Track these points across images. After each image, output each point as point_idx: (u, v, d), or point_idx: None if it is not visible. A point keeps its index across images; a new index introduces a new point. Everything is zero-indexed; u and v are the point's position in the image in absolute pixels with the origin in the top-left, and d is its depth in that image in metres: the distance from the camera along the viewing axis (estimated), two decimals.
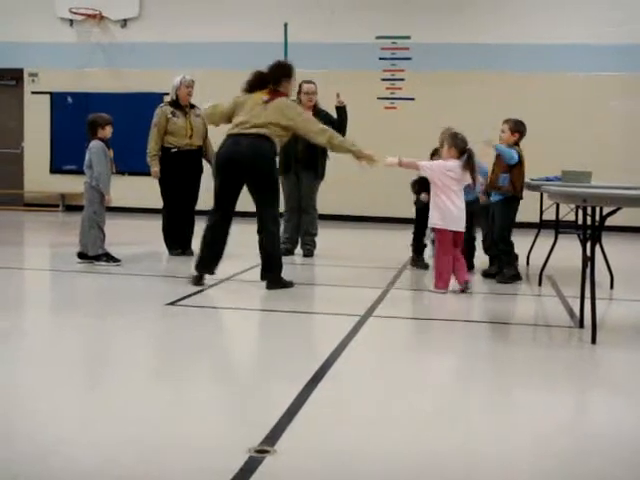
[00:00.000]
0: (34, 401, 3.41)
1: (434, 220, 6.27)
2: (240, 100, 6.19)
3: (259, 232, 6.18)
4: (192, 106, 7.90)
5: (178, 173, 7.83)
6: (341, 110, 8.04)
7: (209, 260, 6.20)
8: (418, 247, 7.57)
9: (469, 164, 6.16)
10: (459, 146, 6.21)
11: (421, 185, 7.10)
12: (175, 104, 7.84)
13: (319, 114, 7.90)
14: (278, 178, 6.31)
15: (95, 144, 7.12)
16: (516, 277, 6.78)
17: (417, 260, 7.57)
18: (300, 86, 8.03)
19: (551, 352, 4.61)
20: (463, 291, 6.17)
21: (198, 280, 6.19)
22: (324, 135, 6.16)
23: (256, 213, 6.19)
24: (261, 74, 6.22)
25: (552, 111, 11.89)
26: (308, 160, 7.98)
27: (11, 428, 3.06)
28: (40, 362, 4.05)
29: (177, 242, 7.94)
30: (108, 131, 7.20)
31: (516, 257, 7.01)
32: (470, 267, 6.92)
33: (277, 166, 6.38)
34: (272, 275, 6.17)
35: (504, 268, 6.79)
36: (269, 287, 6.14)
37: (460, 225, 6.24)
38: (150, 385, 3.76)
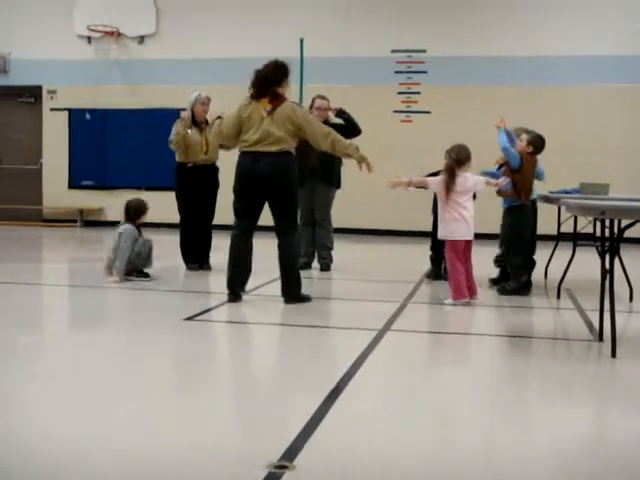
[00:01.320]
0: (56, 414, 3.42)
1: (443, 233, 6.38)
2: (244, 116, 6.11)
3: (280, 247, 6.20)
4: (207, 122, 7.95)
5: (194, 188, 7.88)
6: (341, 113, 8.01)
7: (238, 277, 6.23)
8: (437, 259, 7.58)
9: (448, 176, 6.22)
10: (445, 155, 6.36)
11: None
12: (191, 120, 7.90)
13: (331, 127, 7.90)
14: (298, 192, 6.33)
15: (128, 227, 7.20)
16: (518, 291, 6.75)
17: (434, 272, 7.59)
18: (313, 101, 8.06)
19: (570, 366, 4.57)
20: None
21: (233, 297, 6.19)
22: (328, 138, 6.15)
23: (275, 228, 6.21)
24: (265, 76, 6.11)
25: (570, 123, 11.88)
26: (324, 171, 7.98)
27: (31, 442, 3.08)
28: (61, 377, 4.07)
29: (194, 257, 7.98)
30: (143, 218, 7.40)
31: (533, 264, 7.00)
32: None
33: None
34: (291, 290, 6.18)
35: (509, 280, 6.80)
36: (287, 301, 6.15)
37: (469, 234, 6.32)
38: (169, 399, 3.76)
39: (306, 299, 6.23)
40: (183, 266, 7.99)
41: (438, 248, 7.48)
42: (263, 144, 6.02)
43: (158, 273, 7.45)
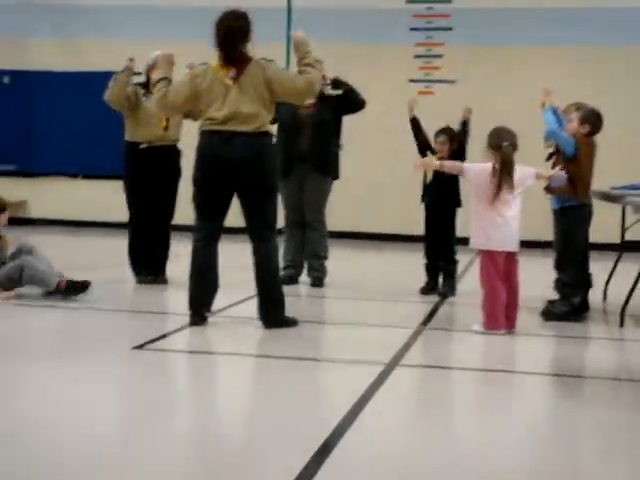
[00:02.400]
0: None
1: (475, 240, 6.36)
2: (203, 87, 6.09)
3: (256, 254, 6.22)
4: None
5: (149, 176, 7.82)
6: (339, 84, 8.02)
7: (203, 295, 6.25)
8: (434, 269, 7.79)
9: (501, 168, 6.20)
10: (491, 144, 6.30)
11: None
12: (147, 87, 7.83)
13: (327, 103, 7.97)
14: (278, 185, 6.34)
15: None
16: (569, 316, 6.76)
17: (429, 286, 7.78)
18: None
19: (637, 415, 4.58)
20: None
21: (196, 320, 6.20)
22: (310, 88, 6.15)
23: (249, 230, 6.23)
24: (233, 28, 6.03)
25: (636, 98, 11.87)
26: (317, 156, 8.01)
27: None
28: None
29: (147, 266, 7.97)
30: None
31: (590, 282, 7.03)
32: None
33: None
34: (271, 311, 6.20)
35: (557, 302, 6.84)
36: (267, 326, 6.17)
37: (511, 244, 6.30)
38: (113, 456, 3.75)
39: (291, 323, 6.25)
40: (132, 278, 8.00)
41: (434, 254, 7.73)
42: (233, 122, 6.04)
43: (99, 288, 7.43)
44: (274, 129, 8.07)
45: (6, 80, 13.67)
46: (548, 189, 6.77)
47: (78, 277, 7.41)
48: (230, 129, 6.05)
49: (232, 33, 6.06)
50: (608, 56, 12.00)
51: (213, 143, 6.10)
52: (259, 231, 6.20)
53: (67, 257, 7.52)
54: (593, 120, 6.77)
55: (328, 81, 8.02)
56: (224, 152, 6.04)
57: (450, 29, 12.45)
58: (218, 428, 4.34)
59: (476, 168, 6.41)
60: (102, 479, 3.40)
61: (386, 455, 3.83)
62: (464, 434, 4.29)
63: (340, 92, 7.98)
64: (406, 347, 5.80)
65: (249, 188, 6.12)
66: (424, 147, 7.69)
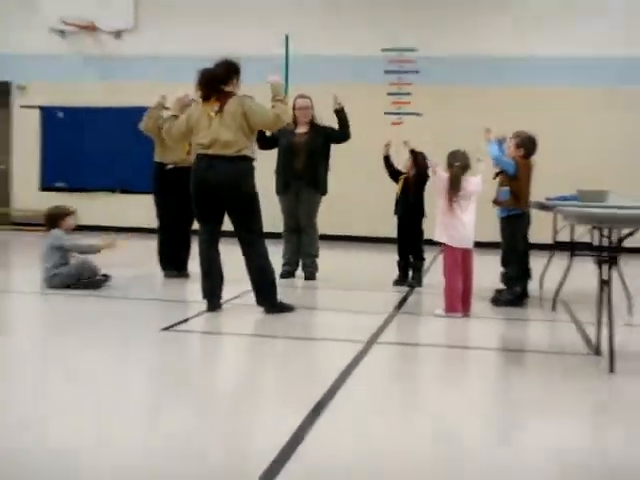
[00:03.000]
0: (26, 428, 3.41)
1: (439, 236, 6.35)
2: (194, 117, 6.09)
3: (247, 256, 6.17)
4: None
5: (174, 191, 7.78)
6: (340, 114, 7.99)
7: (213, 287, 6.22)
8: (404, 265, 7.82)
9: (450, 183, 6.25)
10: (447, 163, 6.37)
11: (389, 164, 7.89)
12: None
13: (318, 132, 7.98)
14: (258, 198, 6.21)
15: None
16: (513, 302, 6.78)
17: (400, 279, 7.81)
18: (295, 101, 8.07)
19: (566, 381, 4.58)
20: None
21: (212, 307, 6.18)
22: (277, 118, 6.07)
23: (237, 237, 6.16)
24: (211, 75, 6.05)
25: (566, 126, 11.92)
26: (310, 176, 7.99)
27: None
28: (30, 390, 4.05)
29: (172, 263, 7.96)
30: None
31: (529, 275, 7.04)
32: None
33: (255, 185, 6.22)
34: (267, 298, 6.17)
35: (503, 291, 6.86)
36: (268, 311, 6.15)
37: (468, 242, 6.32)
38: (148, 413, 3.75)
39: (288, 308, 6.23)
40: (160, 273, 7.97)
41: (405, 253, 7.80)
42: (215, 147, 5.99)
43: (136, 280, 7.42)
44: (275, 152, 8.13)
45: (61, 115, 13.64)
46: (496, 202, 6.80)
47: (117, 273, 7.45)
48: (212, 153, 6.01)
49: (210, 77, 6.05)
50: (544, 95, 12.06)
51: (200, 167, 6.08)
52: (245, 238, 6.14)
53: (107, 256, 7.47)
54: (529, 145, 6.81)
55: (340, 104, 7.96)
56: (207, 175, 6.02)
57: (417, 72, 12.47)
58: (229, 389, 4.35)
59: (438, 176, 6.41)
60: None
61: (370, 412, 3.86)
62: (428, 394, 4.32)
63: (337, 111, 7.93)
64: (382, 328, 5.80)
65: (230, 205, 6.08)
66: (393, 173, 7.85)
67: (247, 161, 6.09)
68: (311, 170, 7.98)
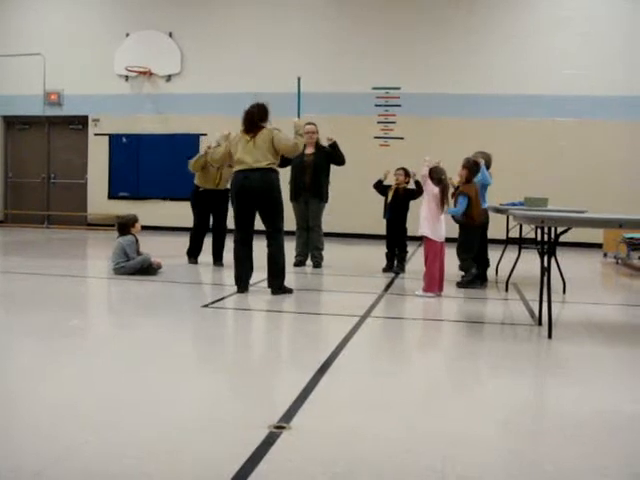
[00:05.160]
0: (86, 384, 3.41)
1: (431, 233, 6.21)
2: (233, 143, 6.22)
3: (268, 246, 6.19)
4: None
5: (207, 207, 8.09)
6: (332, 146, 8.01)
7: (242, 275, 6.21)
8: (391, 256, 7.80)
9: (442, 193, 6.23)
10: (436, 178, 6.27)
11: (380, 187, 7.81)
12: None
13: (321, 152, 7.99)
14: (282, 201, 6.23)
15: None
16: (473, 283, 6.75)
17: (388, 267, 7.78)
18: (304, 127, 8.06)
19: (515, 345, 4.58)
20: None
21: (241, 290, 6.17)
22: (295, 147, 6.17)
23: (265, 231, 6.20)
24: (252, 115, 6.16)
25: (518, 149, 11.93)
26: (315, 188, 8.00)
27: (57, 411, 3.06)
28: (96, 352, 4.07)
29: (193, 255, 8.16)
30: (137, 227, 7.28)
31: (487, 263, 7.02)
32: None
33: (281, 191, 6.23)
34: (277, 281, 6.15)
35: (463, 276, 6.85)
36: (274, 292, 6.12)
37: (443, 237, 6.30)
38: (188, 372, 3.76)
39: (288, 291, 6.19)
40: (201, 263, 7.96)
41: (392, 247, 7.78)
42: (252, 162, 6.03)
43: (179, 268, 7.42)
44: (287, 169, 8.12)
45: (124, 140, 13.69)
46: (454, 219, 6.78)
47: (164, 262, 7.46)
48: (248, 167, 6.05)
49: (251, 116, 6.14)
50: (501, 125, 12.01)
51: (239, 177, 6.09)
52: (271, 232, 6.17)
53: (159, 248, 7.50)
54: (469, 165, 6.69)
55: (331, 139, 7.98)
56: (245, 183, 6.04)
57: (400, 106, 12.45)
58: (253, 352, 4.35)
59: (432, 188, 6.23)
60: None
61: (368, 370, 3.86)
62: (412, 356, 4.31)
63: (330, 145, 7.96)
64: (374, 305, 5.80)
65: (263, 206, 6.10)
66: (382, 189, 7.83)
67: (274, 172, 6.12)
68: (316, 184, 7.98)
